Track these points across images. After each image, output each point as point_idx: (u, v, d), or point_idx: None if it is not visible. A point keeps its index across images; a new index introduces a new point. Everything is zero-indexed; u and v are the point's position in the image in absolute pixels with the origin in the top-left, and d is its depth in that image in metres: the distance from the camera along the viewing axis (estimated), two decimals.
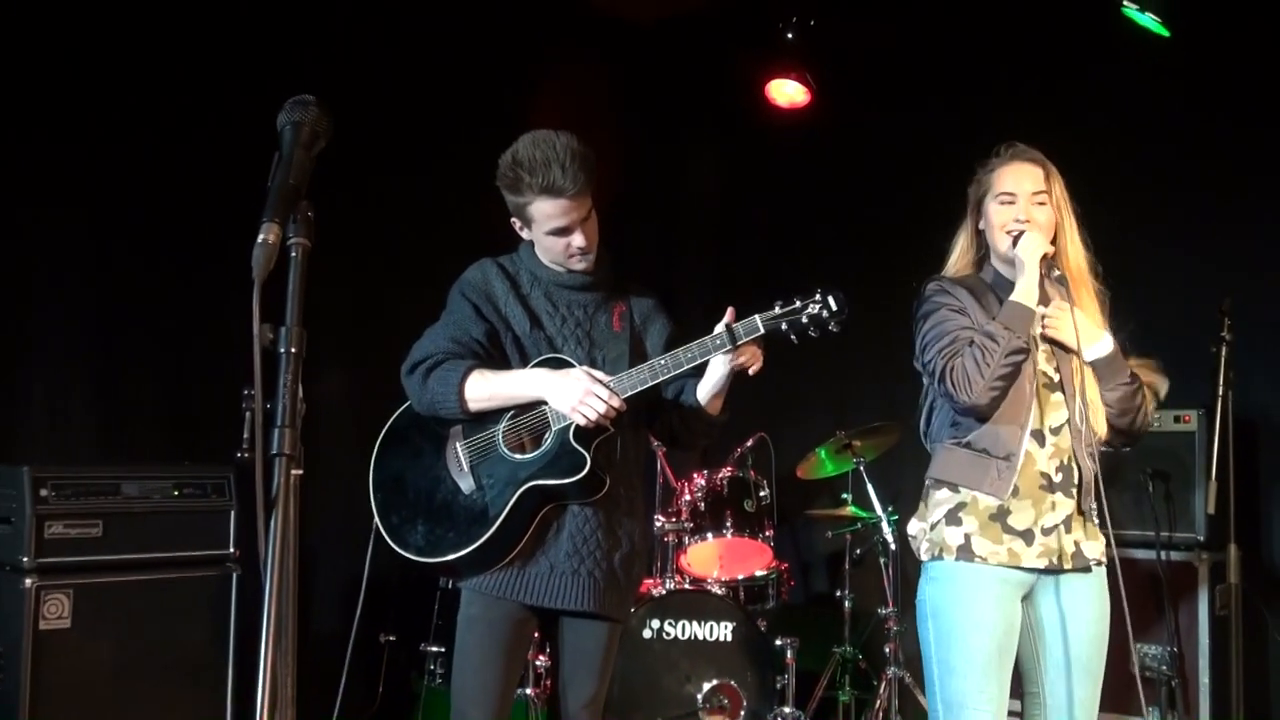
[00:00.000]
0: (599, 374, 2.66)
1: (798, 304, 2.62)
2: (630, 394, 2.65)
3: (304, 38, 4.71)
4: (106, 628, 3.68)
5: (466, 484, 2.75)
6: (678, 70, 6.04)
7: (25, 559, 3.58)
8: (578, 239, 2.72)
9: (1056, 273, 2.64)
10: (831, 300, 2.61)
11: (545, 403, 2.69)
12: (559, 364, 2.72)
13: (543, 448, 2.70)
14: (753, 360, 2.68)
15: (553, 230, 2.70)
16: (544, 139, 2.65)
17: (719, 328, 2.63)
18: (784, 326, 2.62)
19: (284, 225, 1.69)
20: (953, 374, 2.60)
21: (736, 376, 2.74)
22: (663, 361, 2.66)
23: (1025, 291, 2.62)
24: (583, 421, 2.62)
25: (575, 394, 2.61)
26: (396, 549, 2.76)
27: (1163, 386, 2.81)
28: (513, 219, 2.78)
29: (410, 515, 2.77)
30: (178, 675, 3.81)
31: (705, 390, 2.77)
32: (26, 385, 4.15)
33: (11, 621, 3.57)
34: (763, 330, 2.62)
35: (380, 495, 2.82)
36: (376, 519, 2.80)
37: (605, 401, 2.60)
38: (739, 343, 2.62)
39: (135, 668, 3.72)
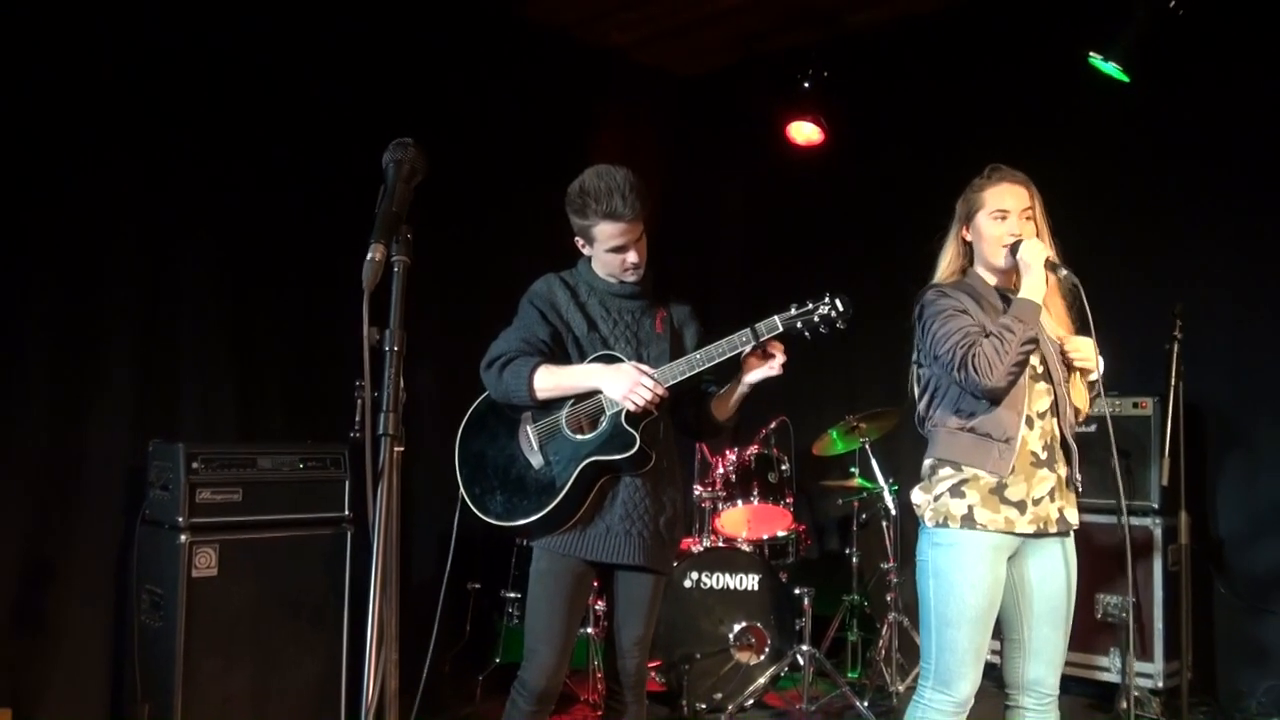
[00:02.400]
0: (645, 367, 2.66)
1: (810, 305, 2.60)
2: (671, 383, 2.64)
3: (410, 90, 4.74)
4: (245, 576, 3.73)
5: (537, 460, 2.74)
6: (714, 115, 6.03)
7: (180, 519, 3.63)
8: (632, 256, 2.72)
9: (1064, 271, 2.58)
10: (839, 302, 2.59)
11: (601, 392, 2.69)
12: (611, 359, 2.71)
13: (599, 429, 2.70)
14: (776, 353, 2.65)
15: (612, 248, 2.70)
16: (606, 172, 2.65)
17: (743, 331, 2.62)
18: (799, 325, 2.60)
19: (388, 245, 1.70)
20: (975, 360, 2.51)
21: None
22: (698, 356, 2.64)
23: (1033, 289, 2.56)
24: (632, 407, 2.61)
25: (626, 384, 2.61)
26: (479, 515, 2.76)
27: None
28: (576, 238, 2.78)
29: (490, 487, 2.77)
30: (302, 615, 3.85)
31: (725, 391, 2.77)
32: (181, 381, 4.21)
33: (169, 570, 3.63)
34: (781, 328, 2.60)
35: (465, 471, 2.82)
36: (461, 490, 2.80)
37: (651, 389, 2.60)
38: (761, 339, 2.59)
39: (268, 609, 3.77)
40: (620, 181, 2.62)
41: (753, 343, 2.60)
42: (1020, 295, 2.57)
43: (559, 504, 2.67)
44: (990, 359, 2.50)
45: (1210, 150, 4.54)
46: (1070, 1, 4.61)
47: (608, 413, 2.69)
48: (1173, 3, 4.11)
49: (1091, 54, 4.22)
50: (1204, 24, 4.23)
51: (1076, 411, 2.70)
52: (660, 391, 2.62)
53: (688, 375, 2.65)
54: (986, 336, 2.54)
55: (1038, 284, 2.56)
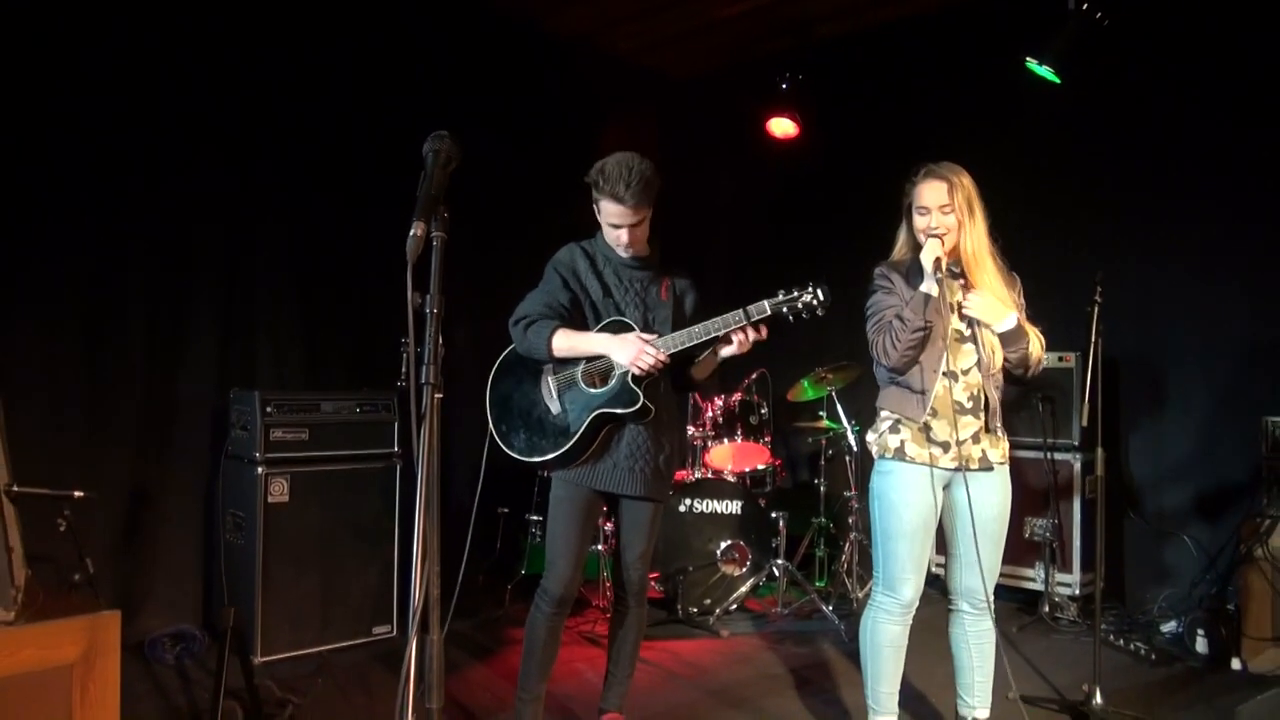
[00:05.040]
0: (649, 336, 2.63)
1: (795, 293, 2.54)
2: (671, 351, 2.62)
3: (448, 89, 4.71)
4: (312, 502, 3.76)
5: (555, 407, 2.74)
6: (706, 113, 5.96)
7: (257, 454, 3.66)
8: (624, 236, 2.66)
9: (939, 275, 2.57)
10: (820, 292, 2.54)
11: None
12: (621, 325, 2.69)
13: (609, 385, 2.68)
14: (747, 343, 2.60)
15: (610, 224, 2.67)
16: (626, 161, 2.60)
17: (737, 311, 2.57)
18: (784, 309, 2.55)
19: (428, 223, 1.69)
20: (875, 348, 2.65)
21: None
22: (696, 329, 2.60)
23: (927, 286, 2.59)
24: (637, 372, 2.61)
25: (631, 352, 2.59)
26: (504, 449, 2.76)
27: (1040, 351, 2.73)
28: (594, 206, 2.73)
29: (514, 426, 2.77)
30: (360, 535, 3.89)
31: (704, 359, 2.74)
32: (257, 339, 4.22)
33: (248, 497, 3.67)
34: (769, 312, 2.55)
35: (494, 411, 2.81)
36: (490, 426, 2.80)
37: (654, 357, 2.58)
38: (752, 320, 2.55)
39: (331, 530, 3.81)
40: (632, 173, 2.57)
41: (745, 322, 2.55)
42: (920, 288, 2.60)
43: (572, 446, 2.67)
44: (886, 348, 2.60)
45: (1127, 140, 4.50)
46: (1010, 13, 4.54)
47: (617, 371, 2.67)
48: (1099, 14, 4.06)
49: (1028, 59, 4.17)
50: (1124, 34, 4.19)
51: (994, 370, 2.69)
52: (662, 359, 2.60)
53: (685, 346, 2.61)
54: (889, 324, 2.60)
55: (929, 282, 2.59)
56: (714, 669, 3.74)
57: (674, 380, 2.88)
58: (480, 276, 4.75)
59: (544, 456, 2.70)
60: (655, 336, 2.65)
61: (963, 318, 2.67)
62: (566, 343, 2.67)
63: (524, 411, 2.78)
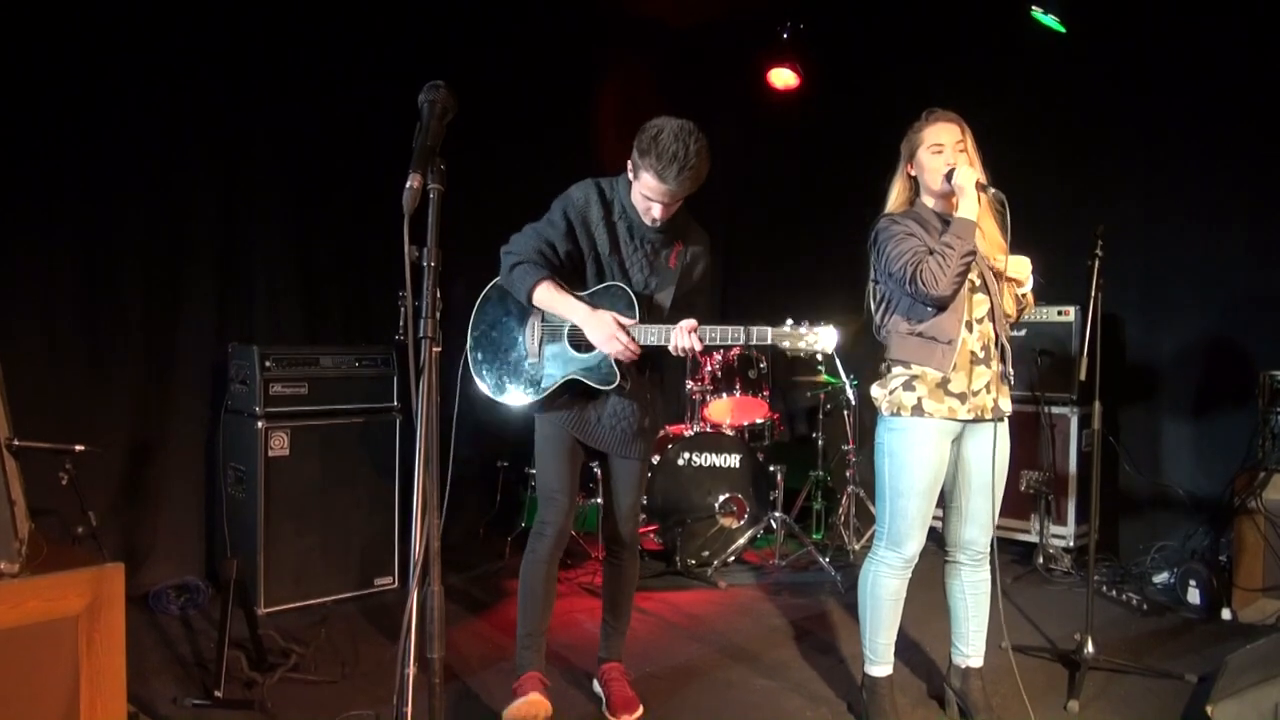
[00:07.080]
0: (628, 321, 2.54)
1: (802, 331, 2.45)
2: (644, 343, 2.52)
3: (442, 36, 4.63)
4: (312, 455, 3.77)
5: (532, 354, 2.68)
6: (703, 60, 5.85)
7: (257, 409, 3.66)
8: (656, 210, 2.56)
9: (992, 190, 2.53)
10: (828, 338, 2.43)
11: None
12: (610, 292, 2.60)
13: (592, 354, 2.62)
14: (687, 352, 2.50)
15: (643, 194, 2.55)
16: (684, 139, 2.42)
17: (739, 327, 2.47)
18: (785, 344, 2.46)
19: (425, 175, 1.66)
20: (923, 274, 2.48)
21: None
22: (683, 338, 2.48)
23: (969, 209, 2.51)
24: (610, 354, 2.55)
25: (603, 336, 2.52)
26: (474, 378, 2.72)
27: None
28: (630, 161, 2.57)
29: (488, 359, 2.72)
30: (360, 488, 3.90)
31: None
32: (255, 293, 4.20)
33: (249, 451, 3.67)
34: (769, 341, 2.44)
35: (474, 333, 2.75)
36: (467, 349, 2.73)
37: (625, 346, 2.51)
38: (751, 342, 2.47)
39: (332, 483, 3.82)
40: (689, 154, 2.42)
41: (741, 343, 2.47)
42: (957, 215, 2.53)
43: (538, 401, 2.65)
44: (935, 272, 2.48)
45: (1129, 94, 4.45)
46: None
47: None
48: None
49: (1033, 7, 4.10)
50: None
51: (1006, 316, 2.69)
52: (635, 350, 2.52)
53: (659, 345, 2.51)
54: (930, 254, 2.51)
55: (972, 204, 2.52)
56: (712, 620, 3.78)
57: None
58: (478, 229, 4.70)
59: (511, 403, 2.68)
60: (634, 324, 2.54)
61: (991, 270, 2.65)
62: (547, 299, 2.58)
63: (502, 348, 2.72)
